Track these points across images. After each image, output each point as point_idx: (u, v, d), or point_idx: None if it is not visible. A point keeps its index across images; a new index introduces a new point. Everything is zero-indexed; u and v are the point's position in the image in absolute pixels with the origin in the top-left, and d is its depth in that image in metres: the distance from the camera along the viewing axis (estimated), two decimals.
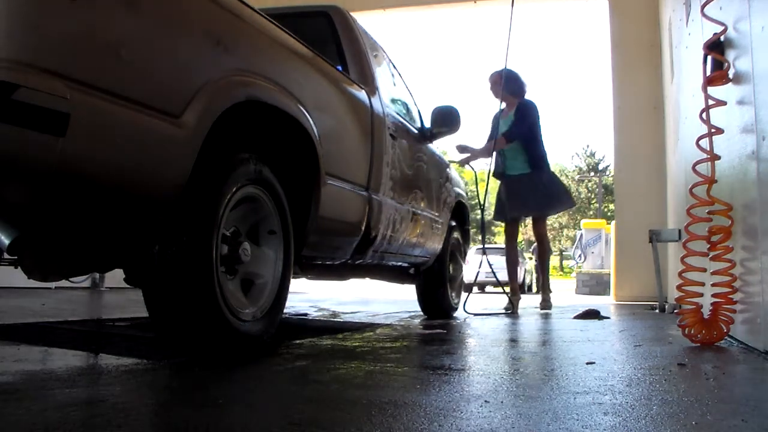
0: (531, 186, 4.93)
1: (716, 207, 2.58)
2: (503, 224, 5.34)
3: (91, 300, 5.21)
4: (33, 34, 1.33)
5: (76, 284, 3.06)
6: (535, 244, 5.72)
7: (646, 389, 1.60)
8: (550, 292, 5.32)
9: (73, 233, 1.67)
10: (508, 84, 4.96)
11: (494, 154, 5.07)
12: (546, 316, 4.57)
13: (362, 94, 2.97)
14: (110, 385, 1.54)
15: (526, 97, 5.12)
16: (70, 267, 1.74)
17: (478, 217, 5.94)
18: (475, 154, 5.16)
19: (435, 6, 9.29)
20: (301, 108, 2.25)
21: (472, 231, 6.14)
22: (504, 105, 5.12)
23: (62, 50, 1.38)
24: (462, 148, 5.20)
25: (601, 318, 4.28)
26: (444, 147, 4.57)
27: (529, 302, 7.31)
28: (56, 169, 1.37)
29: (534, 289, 19.98)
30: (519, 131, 4.92)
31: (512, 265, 5.24)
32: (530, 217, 5.42)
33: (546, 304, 5.16)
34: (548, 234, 5.58)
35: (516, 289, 5.18)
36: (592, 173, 45.49)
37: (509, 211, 5.06)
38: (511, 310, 4.89)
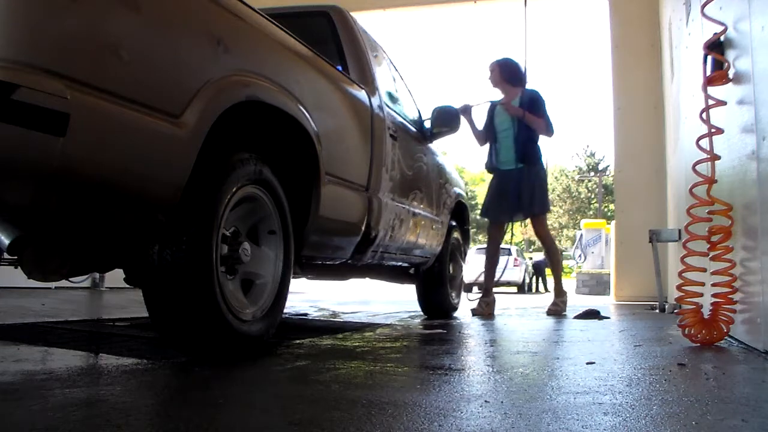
0: (520, 184, 4.63)
1: (716, 207, 2.58)
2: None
3: (91, 300, 5.21)
4: (33, 34, 1.33)
5: (76, 284, 3.06)
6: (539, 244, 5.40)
7: (646, 389, 1.60)
8: (563, 296, 4.81)
9: (73, 233, 1.67)
10: (505, 73, 4.81)
11: (489, 145, 4.87)
12: (546, 317, 4.55)
13: (362, 94, 2.97)
14: (110, 385, 1.54)
15: (528, 87, 4.86)
16: (70, 267, 1.74)
17: (479, 217, 5.91)
18: (473, 128, 4.89)
19: (435, 5, 9.29)
20: (301, 108, 2.25)
21: (472, 231, 6.11)
22: (502, 95, 4.88)
23: (62, 50, 1.38)
24: (466, 109, 4.77)
25: (601, 318, 4.28)
26: (444, 147, 4.50)
27: (529, 303, 7.32)
28: (56, 169, 1.37)
29: (534, 289, 20.01)
30: (547, 121, 4.70)
31: (491, 264, 4.89)
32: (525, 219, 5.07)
33: (555, 308, 4.69)
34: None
35: (490, 289, 4.83)
36: (592, 173, 45.41)
37: (495, 212, 4.81)
38: (480, 312, 4.61)
